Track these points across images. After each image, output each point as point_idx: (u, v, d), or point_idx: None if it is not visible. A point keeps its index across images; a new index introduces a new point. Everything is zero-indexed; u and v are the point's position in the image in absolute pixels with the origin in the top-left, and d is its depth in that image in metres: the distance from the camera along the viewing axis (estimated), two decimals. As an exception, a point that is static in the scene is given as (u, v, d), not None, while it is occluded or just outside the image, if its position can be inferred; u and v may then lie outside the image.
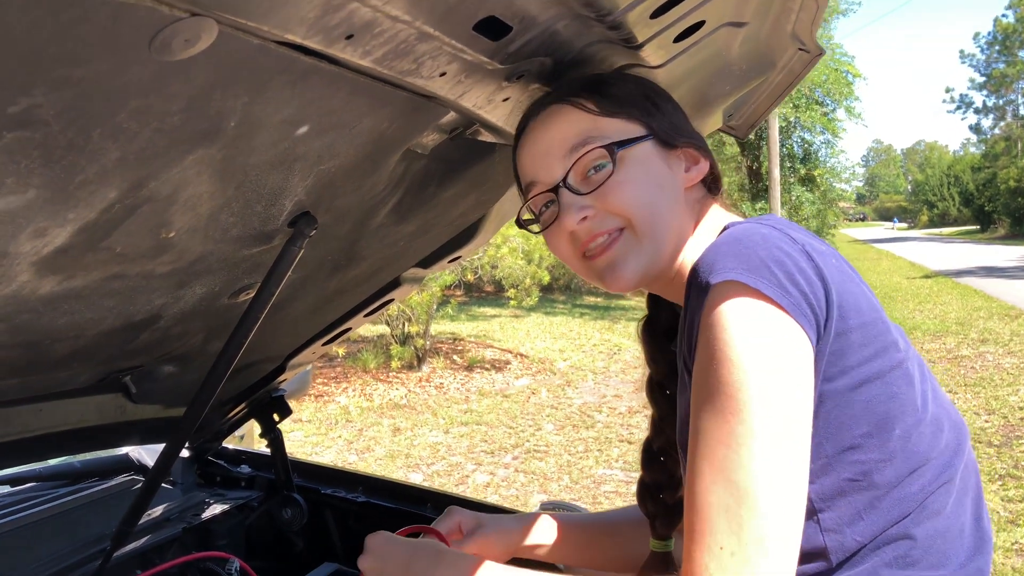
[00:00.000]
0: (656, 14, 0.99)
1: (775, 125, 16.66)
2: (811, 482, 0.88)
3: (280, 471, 1.93)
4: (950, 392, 7.90)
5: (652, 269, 1.05)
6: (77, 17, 0.61)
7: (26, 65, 0.64)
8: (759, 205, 18.35)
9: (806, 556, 0.89)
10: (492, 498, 5.70)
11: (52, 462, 1.81)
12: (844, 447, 0.88)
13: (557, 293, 17.51)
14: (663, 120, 1.07)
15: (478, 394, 8.95)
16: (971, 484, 0.98)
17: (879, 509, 0.88)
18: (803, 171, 20.43)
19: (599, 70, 1.14)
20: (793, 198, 19.50)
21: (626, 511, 1.41)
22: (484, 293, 17.09)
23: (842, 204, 28.06)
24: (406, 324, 9.70)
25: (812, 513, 0.89)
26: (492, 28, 0.90)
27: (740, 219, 1.06)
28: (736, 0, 1.09)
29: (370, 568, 1.16)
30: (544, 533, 1.39)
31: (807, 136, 20.81)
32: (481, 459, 6.68)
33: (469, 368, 10.09)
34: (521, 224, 1.17)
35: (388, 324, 9.82)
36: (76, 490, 1.71)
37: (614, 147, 1.02)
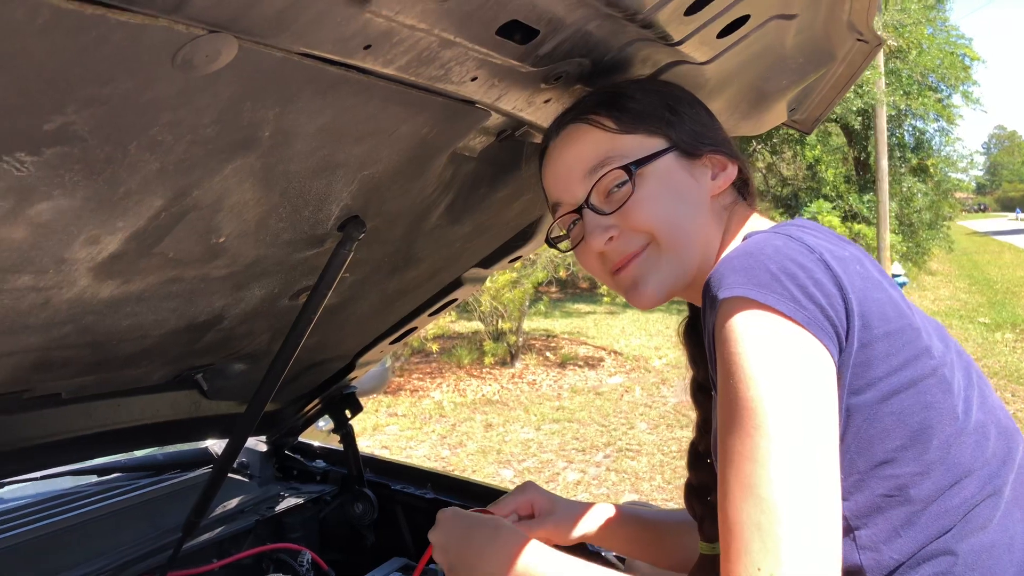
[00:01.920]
0: (690, 11, 0.97)
1: (882, 114, 15.95)
2: (845, 499, 0.85)
3: (352, 467, 1.98)
4: (1076, 395, 7.41)
5: (678, 283, 1.05)
6: (95, 39, 0.65)
7: (54, 85, 0.68)
8: (867, 197, 17.62)
9: (842, 573, 0.85)
10: (582, 496, 5.69)
11: (137, 454, 1.91)
12: (877, 461, 0.85)
13: (654, 289, 17.29)
14: (685, 129, 1.05)
15: (570, 391, 8.94)
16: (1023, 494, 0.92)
17: (918, 525, 0.84)
18: (915, 161, 19.48)
19: (641, 69, 1.12)
20: (904, 189, 18.62)
21: (673, 513, 1.40)
22: (578, 290, 17.04)
23: (959, 194, 26.66)
24: (499, 321, 9.78)
25: (848, 531, 0.86)
26: (517, 32, 0.90)
27: (766, 227, 1.03)
28: (782, -8, 1.05)
29: (436, 540, 1.19)
30: (614, 526, 1.39)
31: (919, 124, 19.84)
32: (572, 456, 6.67)
33: (562, 365, 10.09)
34: (551, 242, 1.18)
35: (482, 320, 9.93)
36: (157, 481, 1.80)
37: (631, 167, 1.02)
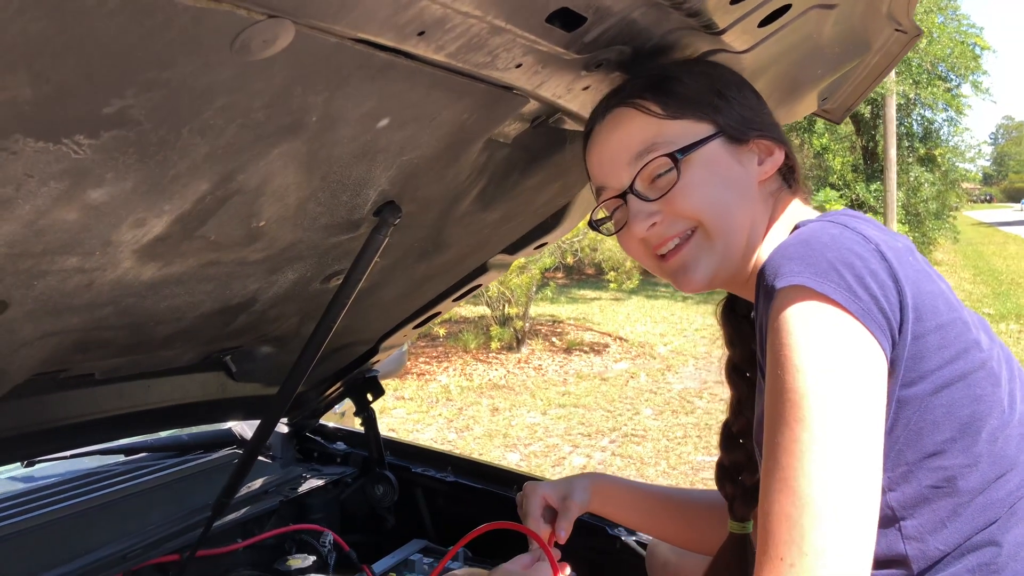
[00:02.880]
0: (736, 0, 0.97)
1: (892, 103, 15.87)
2: (892, 490, 0.85)
3: (373, 449, 2.00)
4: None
5: (725, 269, 1.05)
6: (160, 23, 0.65)
7: (116, 68, 0.68)
8: (874, 186, 17.57)
9: (886, 563, 0.86)
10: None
11: (162, 435, 1.93)
12: (926, 453, 0.85)
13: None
14: (733, 114, 1.05)
15: (576, 377, 8.96)
16: None
17: (964, 516, 0.85)
18: (923, 150, 19.41)
19: (680, 57, 1.12)
20: (911, 179, 18.56)
21: (704, 493, 1.41)
22: (584, 276, 17.05)
23: (966, 185, 26.57)
24: (506, 306, 9.79)
25: (893, 521, 0.87)
26: (566, 19, 0.91)
27: (814, 216, 1.03)
28: (825, -19, 1.05)
29: None
30: (642, 505, 1.40)
31: (928, 114, 19.75)
32: (578, 441, 6.70)
33: (568, 350, 10.11)
34: (594, 225, 1.18)
35: (488, 305, 9.94)
36: (183, 461, 1.82)
37: (677, 154, 1.01)
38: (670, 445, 6.48)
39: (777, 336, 0.84)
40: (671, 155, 1.01)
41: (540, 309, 12.26)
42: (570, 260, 11.46)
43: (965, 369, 0.86)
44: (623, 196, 1.06)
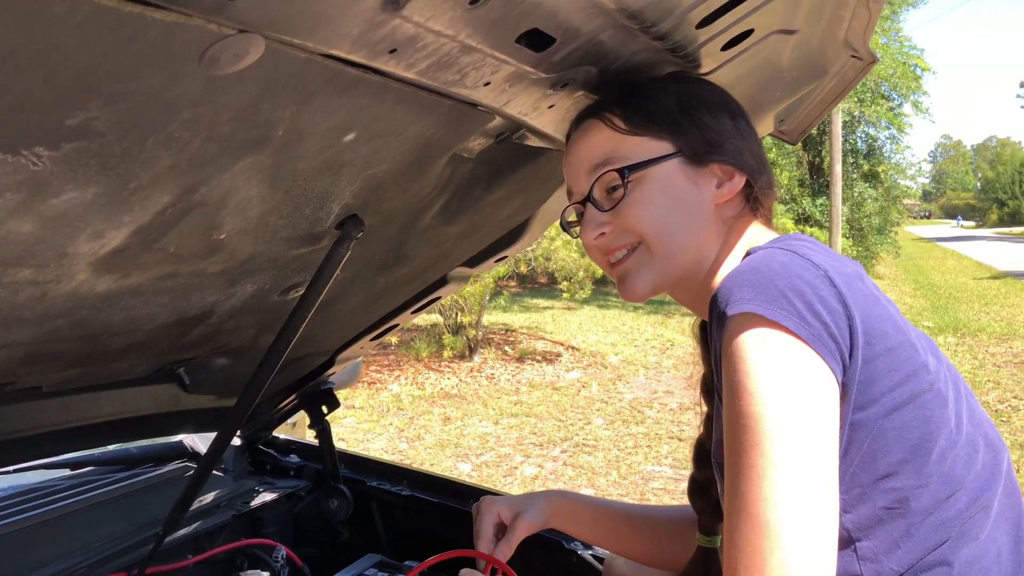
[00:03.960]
0: (702, 24, 0.98)
1: (838, 120, 16.27)
2: (847, 511, 0.87)
3: (327, 462, 1.97)
4: (1016, 399, 7.66)
5: (665, 283, 1.09)
6: (129, 35, 0.64)
7: (82, 81, 0.67)
8: (820, 201, 17.98)
9: None
10: (539, 491, 5.71)
11: (109, 448, 1.88)
12: (880, 475, 0.87)
13: (610, 286, 17.38)
14: (695, 136, 1.06)
15: (528, 386, 8.97)
16: (1009, 506, 0.95)
17: (917, 536, 0.87)
18: (866, 167, 19.93)
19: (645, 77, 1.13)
20: (855, 194, 19.04)
21: (665, 510, 1.42)
22: (537, 285, 17.11)
23: (907, 201, 27.32)
24: (459, 314, 9.76)
25: (849, 543, 0.88)
26: (535, 40, 0.91)
27: (769, 240, 1.05)
28: (786, 8, 1.07)
29: None
30: (607, 522, 1.40)
31: (871, 131, 20.29)
32: (530, 451, 6.70)
33: (520, 359, 10.12)
34: (564, 226, 1.23)
35: (441, 314, 9.90)
36: (132, 475, 1.77)
37: (624, 171, 1.04)
38: (621, 455, 6.52)
39: (730, 362, 0.86)
40: (619, 170, 1.05)
41: (493, 318, 12.27)
42: (523, 269, 11.50)
43: (914, 391, 0.88)
44: (583, 203, 1.10)
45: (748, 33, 1.09)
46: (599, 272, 11.08)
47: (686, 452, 6.49)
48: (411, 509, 1.97)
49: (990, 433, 0.97)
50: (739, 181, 1.07)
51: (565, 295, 11.18)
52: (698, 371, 1.27)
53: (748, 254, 0.99)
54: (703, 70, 1.15)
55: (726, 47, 1.10)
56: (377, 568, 1.78)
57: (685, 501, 1.33)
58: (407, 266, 1.54)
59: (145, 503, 1.69)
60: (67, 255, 0.93)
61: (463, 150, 1.23)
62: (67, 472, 1.76)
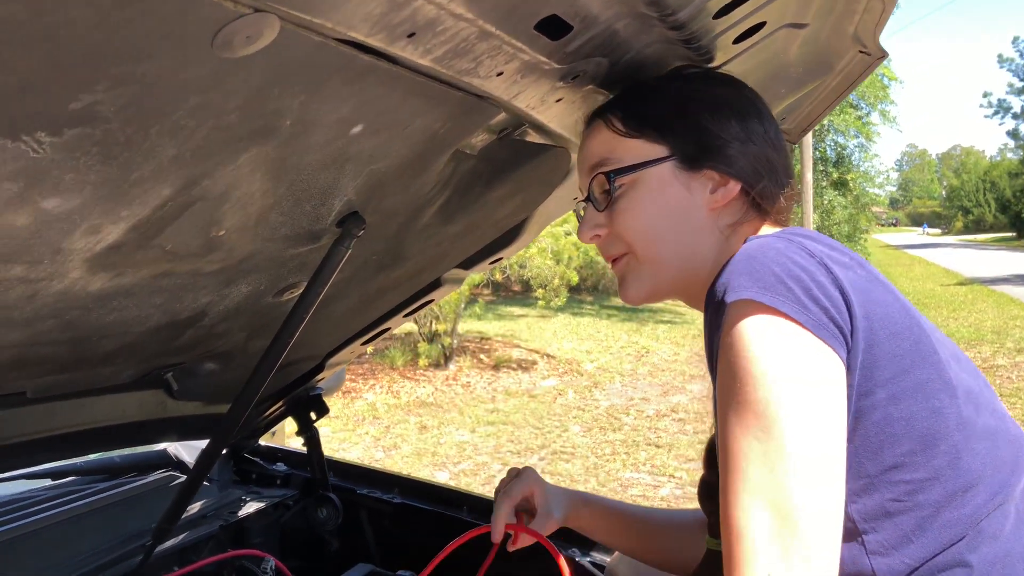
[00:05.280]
0: (719, 14, 0.96)
1: (808, 128, 16.47)
2: (852, 502, 0.85)
3: (316, 470, 1.92)
4: (986, 402, 7.75)
5: (660, 289, 1.08)
6: (141, 11, 0.60)
7: (90, 60, 0.63)
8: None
9: None
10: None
11: (91, 457, 1.81)
12: (887, 466, 0.85)
13: (585, 294, 17.45)
14: (691, 139, 1.03)
15: (504, 394, 8.93)
16: None
17: (929, 531, 0.84)
18: (836, 175, 20.22)
19: (653, 72, 1.11)
20: (825, 202, 19.29)
21: (683, 513, 1.41)
22: (512, 293, 17.07)
23: (875, 208, 27.72)
24: (434, 322, 9.71)
25: (856, 534, 0.86)
26: (552, 27, 0.88)
27: (767, 232, 1.02)
28: (800, 0, 1.06)
29: None
30: (620, 524, 1.39)
31: (840, 140, 20.59)
32: (507, 459, 6.66)
33: (496, 367, 10.08)
34: (579, 216, 1.22)
35: (416, 322, 9.84)
36: (115, 485, 1.71)
37: (611, 174, 1.04)
38: (599, 462, 6.50)
39: (731, 350, 0.83)
40: (607, 174, 1.04)
41: (468, 326, 12.22)
42: (498, 277, 11.49)
43: (922, 379, 0.86)
44: (585, 201, 1.11)
45: (760, 26, 1.08)
46: (574, 279, 11.09)
47: (664, 459, 6.49)
48: (402, 518, 1.92)
49: (1012, 428, 0.95)
50: (733, 188, 1.03)
51: (540, 303, 11.17)
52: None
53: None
54: (714, 64, 1.13)
55: (738, 40, 1.08)
56: (368, 578, 1.73)
57: (664, 507, 1.31)
58: (404, 267, 1.50)
59: (129, 514, 1.63)
60: (62, 251, 0.88)
61: (466, 146, 1.20)
62: (48, 482, 1.70)
